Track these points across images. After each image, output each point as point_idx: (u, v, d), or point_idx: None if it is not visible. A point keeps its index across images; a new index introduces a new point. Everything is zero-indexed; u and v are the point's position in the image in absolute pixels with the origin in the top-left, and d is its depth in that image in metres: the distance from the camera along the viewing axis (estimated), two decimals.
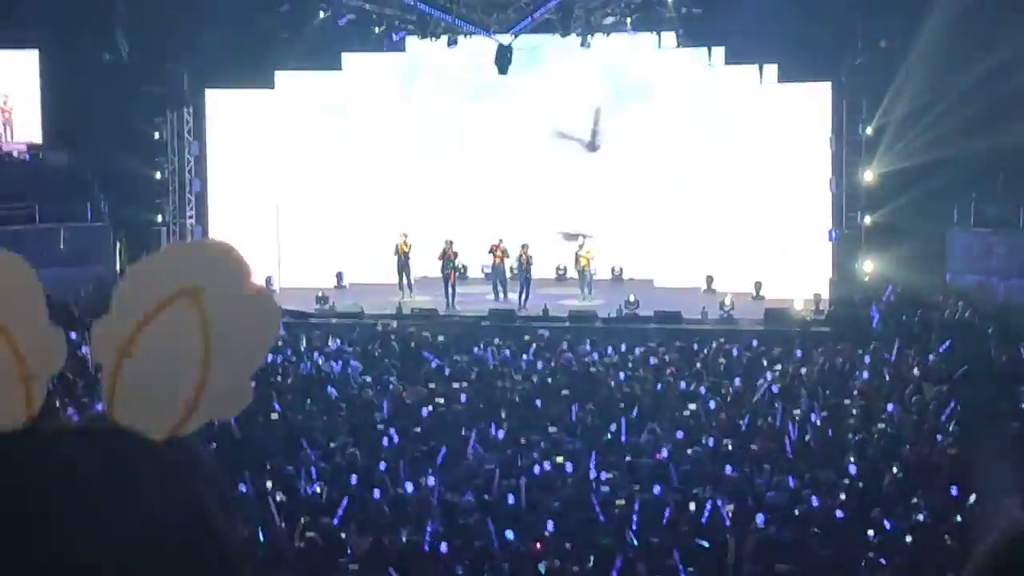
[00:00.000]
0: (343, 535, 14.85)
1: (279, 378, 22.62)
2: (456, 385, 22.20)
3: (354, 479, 16.74)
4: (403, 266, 31.47)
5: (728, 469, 17.21)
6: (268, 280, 32.49)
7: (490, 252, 31.47)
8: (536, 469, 17.22)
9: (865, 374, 22.72)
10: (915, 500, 16.09)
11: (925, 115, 29.40)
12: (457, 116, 34.98)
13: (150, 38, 31.56)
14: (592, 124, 34.91)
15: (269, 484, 16.70)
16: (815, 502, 15.85)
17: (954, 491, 16.39)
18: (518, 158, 34.92)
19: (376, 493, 16.03)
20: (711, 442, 18.68)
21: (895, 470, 17.32)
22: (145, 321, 1.78)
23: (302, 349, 25.20)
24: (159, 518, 1.57)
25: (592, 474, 17.09)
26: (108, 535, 1.56)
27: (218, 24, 29.85)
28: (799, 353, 24.54)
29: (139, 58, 31.87)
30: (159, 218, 33.09)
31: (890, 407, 20.46)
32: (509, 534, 14.52)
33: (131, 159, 32.34)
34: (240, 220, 33.10)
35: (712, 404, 20.63)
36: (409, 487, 16.31)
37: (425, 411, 20.53)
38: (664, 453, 17.97)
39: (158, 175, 33.21)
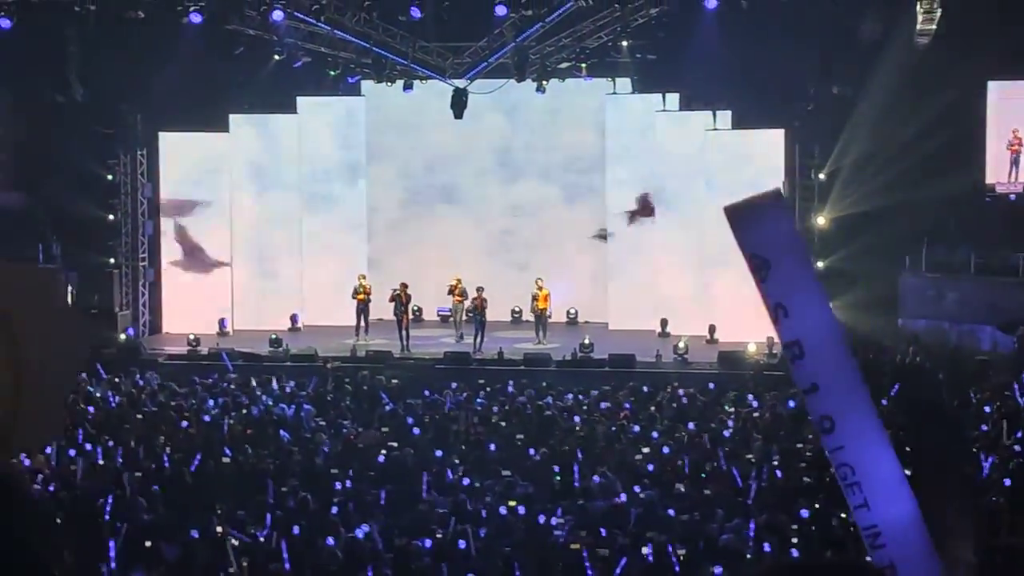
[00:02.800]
0: None
1: (231, 421, 22.47)
2: (410, 428, 22.11)
3: (305, 524, 16.62)
4: (362, 309, 31.40)
5: (677, 512, 17.19)
6: (222, 322, 32.39)
7: (449, 293, 31.44)
8: (489, 513, 17.15)
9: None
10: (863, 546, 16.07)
11: (877, 161, 29.70)
12: (411, 154, 35.10)
13: (103, 80, 31.48)
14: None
15: (219, 529, 16.55)
16: (767, 547, 15.84)
17: None
18: (472, 198, 35.09)
19: (329, 539, 15.91)
20: (664, 486, 18.65)
21: (846, 515, 17.34)
22: None
23: (254, 392, 25.05)
24: None
25: (545, 518, 17.03)
26: None
27: (172, 66, 29.80)
28: (751, 397, 24.59)
29: (92, 100, 31.77)
30: (112, 260, 32.92)
31: None
32: None
33: (84, 201, 32.23)
34: (194, 262, 33.06)
35: (665, 448, 20.62)
36: (361, 532, 16.20)
37: (378, 455, 20.42)
38: (619, 497, 17.94)
39: (111, 217, 33.07)
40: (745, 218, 3.95)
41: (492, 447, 20.88)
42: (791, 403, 23.10)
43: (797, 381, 5.23)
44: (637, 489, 18.52)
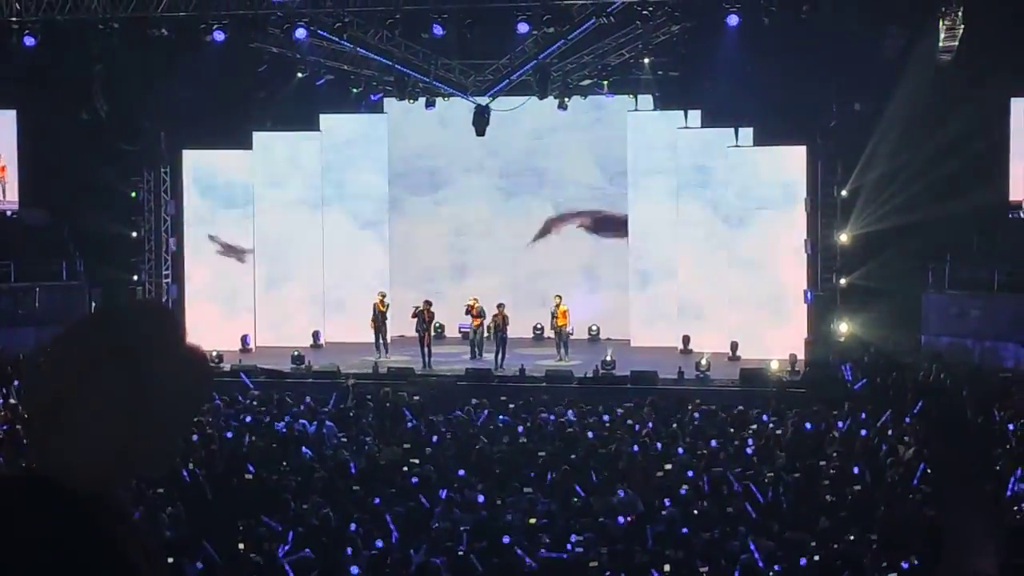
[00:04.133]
0: None
1: (253, 437, 22.52)
2: (431, 446, 22.14)
3: (327, 540, 16.65)
4: (380, 326, 31.45)
5: (699, 530, 17.16)
6: (244, 339, 32.46)
7: (467, 313, 31.46)
8: (511, 531, 17.14)
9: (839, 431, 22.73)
10: (884, 563, 16.05)
11: (899, 177, 29.66)
12: (435, 173, 35.22)
13: (127, 98, 31.62)
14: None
15: (241, 545, 16.60)
16: (788, 564, 15.81)
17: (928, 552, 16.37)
18: (493, 216, 35.18)
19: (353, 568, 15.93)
20: (686, 503, 18.63)
21: (868, 531, 17.29)
22: (76, 379, 1.79)
23: (276, 409, 25.09)
24: (83, 568, 1.57)
25: (567, 535, 17.03)
26: None
27: (196, 84, 29.93)
28: (767, 416, 24.49)
29: (116, 118, 31.89)
30: (135, 277, 33.05)
31: (865, 468, 20.43)
32: None
33: (107, 218, 32.39)
34: (217, 278, 33.13)
35: (689, 470, 20.57)
36: (382, 549, 16.22)
37: (400, 472, 20.44)
38: (638, 513, 17.93)
39: (134, 234, 33.21)
40: None
41: (514, 464, 20.88)
42: (808, 426, 23.06)
43: None
44: (659, 504, 18.50)
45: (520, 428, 23.50)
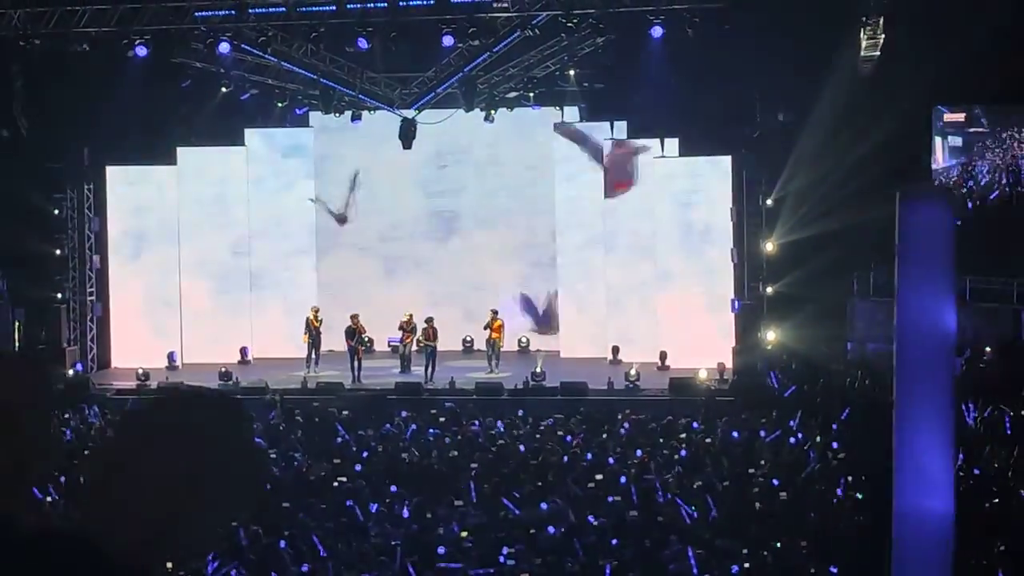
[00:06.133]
0: None
1: None
2: (361, 460, 22.03)
3: (254, 558, 16.51)
4: (314, 341, 31.31)
5: (633, 540, 17.18)
6: (171, 356, 32.18)
7: (400, 328, 31.38)
8: (442, 543, 17.09)
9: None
10: (812, 570, 16.14)
11: (823, 185, 29.88)
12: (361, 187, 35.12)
13: (49, 114, 31.26)
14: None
15: (169, 565, 16.40)
16: (720, 572, 15.85)
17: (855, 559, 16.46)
18: (418, 230, 35.14)
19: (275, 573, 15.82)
20: (616, 513, 18.65)
21: (798, 538, 17.38)
22: (137, 458, 1.83)
23: None
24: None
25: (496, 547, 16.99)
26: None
27: (118, 100, 29.62)
28: (697, 424, 24.61)
29: (38, 135, 31.53)
30: (59, 295, 32.66)
31: (793, 475, 20.56)
32: None
33: (30, 236, 31.96)
34: (142, 296, 32.85)
35: (621, 476, 20.61)
36: (309, 566, 16.11)
37: (329, 486, 20.33)
38: (569, 524, 17.92)
39: (58, 252, 32.82)
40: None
41: (444, 476, 20.83)
42: (736, 434, 23.19)
43: None
44: (588, 515, 18.52)
45: (448, 440, 23.45)
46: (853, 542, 17.34)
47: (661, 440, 23.27)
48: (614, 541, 17.20)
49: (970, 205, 31.97)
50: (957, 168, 33.86)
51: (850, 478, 20.18)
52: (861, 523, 18.31)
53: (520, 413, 25.84)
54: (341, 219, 34.79)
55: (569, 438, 23.39)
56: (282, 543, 17.06)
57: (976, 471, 19.90)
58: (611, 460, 21.60)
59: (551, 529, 17.85)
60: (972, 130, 34.67)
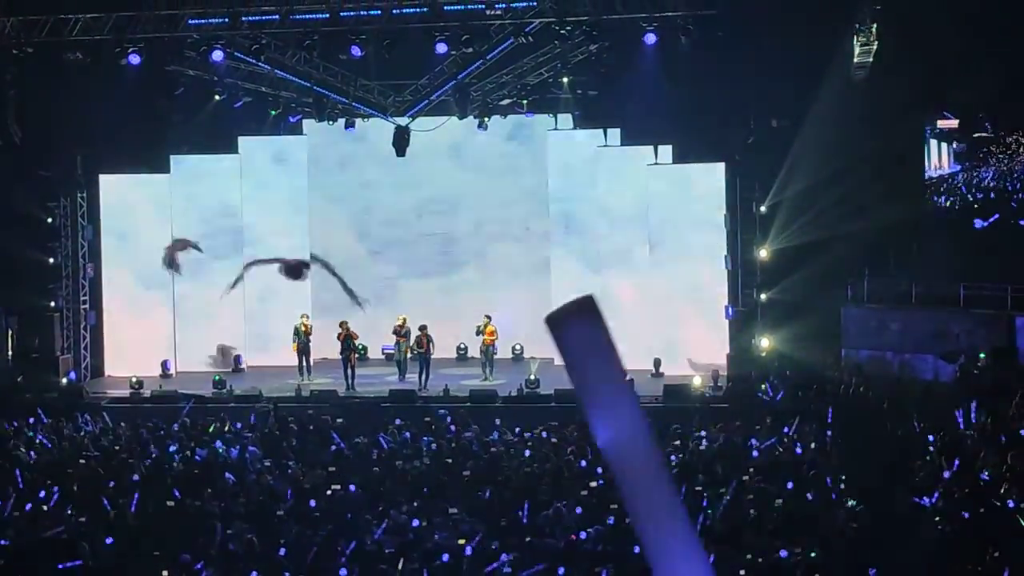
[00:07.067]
0: None
1: (176, 464, 22.29)
2: (356, 468, 21.99)
3: (252, 567, 16.49)
4: (304, 348, 31.26)
5: (629, 547, 17.16)
6: (165, 364, 32.13)
7: (394, 333, 31.36)
8: (437, 551, 17.07)
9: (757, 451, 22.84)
10: None
11: (817, 193, 29.93)
12: (354, 195, 35.07)
13: (42, 122, 31.23)
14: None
15: (165, 573, 16.40)
16: None
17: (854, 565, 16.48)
18: (413, 235, 35.13)
19: None
20: (612, 520, 18.62)
21: (794, 545, 17.37)
22: None
23: (198, 435, 24.83)
24: None
25: (494, 555, 16.97)
26: None
27: (112, 108, 29.59)
28: (691, 431, 24.57)
29: (31, 143, 31.49)
30: (52, 303, 32.60)
31: (788, 482, 20.54)
32: None
33: (24, 244, 31.92)
34: (136, 304, 32.78)
35: (613, 484, 20.57)
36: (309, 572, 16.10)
37: (324, 495, 20.29)
38: (568, 533, 17.91)
39: (51, 260, 32.77)
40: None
41: (439, 484, 20.80)
42: (728, 440, 23.18)
43: None
44: (584, 522, 18.49)
45: (435, 447, 23.40)
46: (846, 547, 17.34)
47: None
48: (610, 548, 17.18)
49: (978, 224, 31.94)
50: (961, 175, 33.92)
51: (843, 484, 20.18)
52: (855, 529, 18.32)
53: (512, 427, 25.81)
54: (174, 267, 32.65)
55: (564, 445, 23.34)
56: (282, 551, 17.05)
57: (970, 477, 19.91)
58: (602, 468, 21.56)
59: (549, 539, 17.84)
60: (976, 135, 34.74)
